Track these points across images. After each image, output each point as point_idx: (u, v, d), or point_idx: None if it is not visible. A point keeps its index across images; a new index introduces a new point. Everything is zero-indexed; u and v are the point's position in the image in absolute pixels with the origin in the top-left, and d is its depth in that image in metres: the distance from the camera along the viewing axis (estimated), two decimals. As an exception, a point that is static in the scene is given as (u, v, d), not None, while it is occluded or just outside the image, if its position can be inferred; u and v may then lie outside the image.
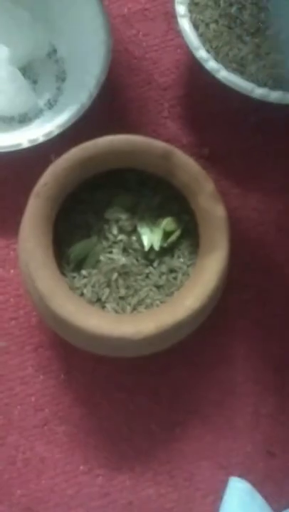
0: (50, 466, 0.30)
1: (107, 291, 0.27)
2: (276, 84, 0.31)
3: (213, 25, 0.31)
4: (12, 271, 0.32)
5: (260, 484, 0.30)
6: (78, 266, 0.28)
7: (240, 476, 0.30)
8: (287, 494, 0.30)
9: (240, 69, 0.31)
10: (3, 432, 0.31)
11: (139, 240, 0.28)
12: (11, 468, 0.30)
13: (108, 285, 0.27)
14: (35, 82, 0.34)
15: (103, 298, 0.27)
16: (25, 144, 0.30)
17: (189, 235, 0.28)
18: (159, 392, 0.31)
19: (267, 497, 0.29)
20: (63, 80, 0.34)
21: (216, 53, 0.31)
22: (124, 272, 0.27)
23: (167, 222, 0.28)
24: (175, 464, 0.31)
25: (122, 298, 0.27)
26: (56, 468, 0.30)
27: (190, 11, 0.31)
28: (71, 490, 0.30)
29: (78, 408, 0.31)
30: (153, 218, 0.28)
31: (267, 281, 0.33)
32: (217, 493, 0.30)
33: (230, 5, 0.32)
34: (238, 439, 0.31)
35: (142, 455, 0.31)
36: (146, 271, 0.28)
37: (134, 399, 0.31)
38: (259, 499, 0.29)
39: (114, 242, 0.28)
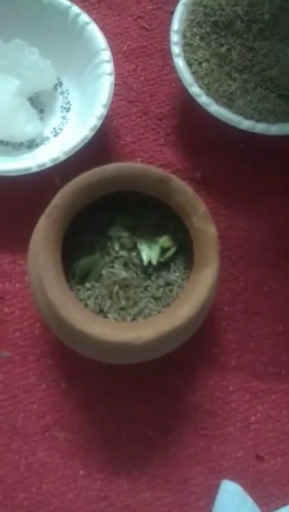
0: (51, 471, 0.31)
1: (109, 302, 0.29)
2: (261, 117, 0.34)
3: (205, 64, 0.34)
4: (17, 285, 0.34)
5: (250, 487, 0.31)
6: (83, 279, 0.29)
7: (231, 479, 0.31)
8: (276, 497, 0.31)
9: (229, 103, 0.34)
10: (7, 438, 0.31)
11: (139, 256, 0.30)
12: (14, 472, 0.31)
13: (110, 297, 0.29)
14: (42, 111, 0.36)
15: (105, 309, 0.28)
16: (35, 169, 0.32)
17: (184, 252, 0.30)
18: (156, 400, 0.32)
19: (257, 499, 0.30)
20: (68, 110, 0.36)
21: (208, 89, 0.34)
22: (125, 285, 0.29)
23: (164, 240, 0.30)
24: (170, 469, 0.31)
25: (122, 309, 0.29)
26: (57, 473, 0.31)
27: (184, 51, 0.34)
28: (71, 494, 0.31)
29: (78, 415, 0.32)
30: (151, 236, 0.30)
31: (254, 295, 0.34)
32: (210, 497, 0.31)
33: (221, 45, 0.35)
34: (229, 444, 0.32)
35: (138, 460, 0.31)
36: (145, 284, 0.29)
37: (131, 406, 0.32)
38: (249, 501, 0.30)
39: (116, 258, 0.30)
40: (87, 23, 0.35)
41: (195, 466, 0.32)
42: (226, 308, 0.34)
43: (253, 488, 0.31)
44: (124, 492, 0.31)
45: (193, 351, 0.33)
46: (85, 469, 0.31)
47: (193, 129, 0.37)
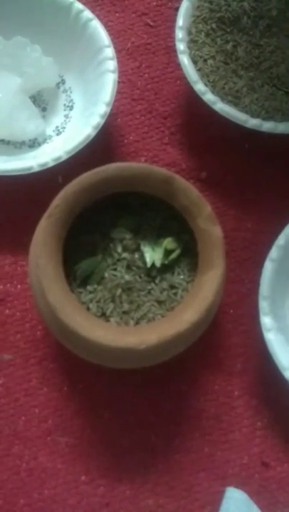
0: (53, 476, 0.31)
1: (111, 306, 0.28)
2: (268, 115, 0.33)
3: (210, 61, 0.34)
4: (19, 286, 0.33)
5: (255, 495, 0.30)
6: (84, 282, 0.29)
7: (236, 486, 0.30)
8: (282, 504, 0.31)
9: (235, 101, 0.33)
10: (8, 442, 0.31)
11: (142, 258, 0.29)
12: (15, 477, 0.31)
13: (112, 300, 0.28)
14: (44, 109, 0.36)
15: (108, 312, 0.28)
16: (36, 168, 0.31)
17: (189, 254, 0.29)
18: (159, 405, 0.32)
19: (262, 507, 0.30)
20: (71, 108, 0.36)
21: (213, 86, 0.33)
22: (128, 288, 0.28)
23: (168, 242, 0.29)
24: (174, 475, 0.31)
25: (125, 312, 0.28)
26: (58, 479, 0.31)
27: (189, 48, 0.34)
28: (72, 500, 0.31)
29: (80, 420, 0.31)
30: (155, 238, 0.29)
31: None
32: (214, 504, 0.30)
33: (226, 42, 0.34)
34: (234, 450, 0.31)
35: (141, 466, 0.31)
36: (149, 287, 0.29)
37: (134, 411, 0.32)
38: (255, 509, 0.30)
39: (119, 260, 0.29)
40: (90, 20, 0.34)
41: (199, 472, 0.31)
42: (231, 310, 0.34)
43: (259, 495, 0.31)
44: (126, 499, 0.31)
45: (197, 355, 0.32)
46: (87, 475, 0.31)
47: (198, 128, 0.36)
